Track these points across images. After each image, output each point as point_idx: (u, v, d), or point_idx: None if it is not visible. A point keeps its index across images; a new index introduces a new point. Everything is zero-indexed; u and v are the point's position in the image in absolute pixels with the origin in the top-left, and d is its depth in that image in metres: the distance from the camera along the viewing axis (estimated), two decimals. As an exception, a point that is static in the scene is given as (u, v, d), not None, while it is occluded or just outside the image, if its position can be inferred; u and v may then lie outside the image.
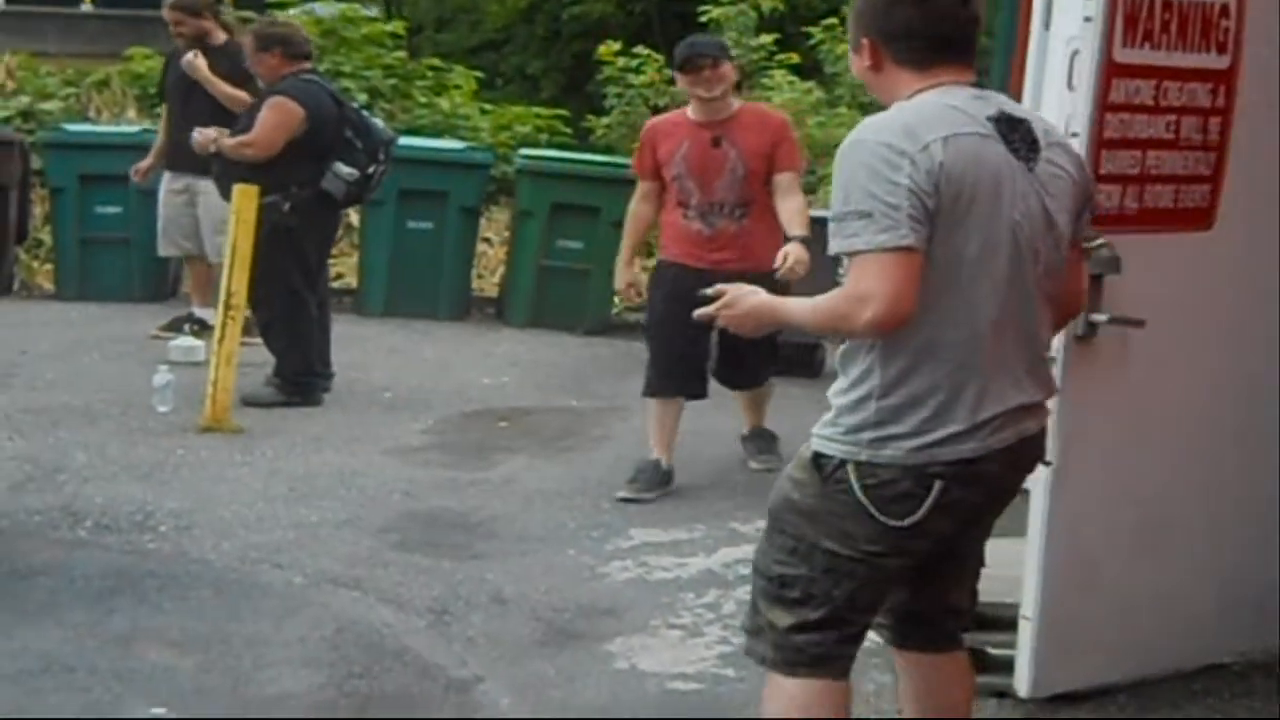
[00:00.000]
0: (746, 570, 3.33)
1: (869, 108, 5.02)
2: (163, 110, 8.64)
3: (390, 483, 6.06)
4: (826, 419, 2.99)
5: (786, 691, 3.06)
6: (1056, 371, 3.74)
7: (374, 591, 4.90)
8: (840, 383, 2.99)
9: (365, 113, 7.62)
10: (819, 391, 3.26)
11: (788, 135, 6.12)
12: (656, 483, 6.02)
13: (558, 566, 5.21)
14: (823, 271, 3.64)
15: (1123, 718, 4.05)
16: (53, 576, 4.86)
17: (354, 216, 9.51)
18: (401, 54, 12.53)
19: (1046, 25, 5.74)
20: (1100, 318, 3.73)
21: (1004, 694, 4.03)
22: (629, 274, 6.25)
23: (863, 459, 2.91)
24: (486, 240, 10.53)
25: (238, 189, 6.79)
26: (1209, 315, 4.04)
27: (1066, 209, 2.98)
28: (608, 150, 11.36)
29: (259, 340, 7.31)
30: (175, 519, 5.47)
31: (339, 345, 7.52)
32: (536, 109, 12.74)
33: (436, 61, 13.01)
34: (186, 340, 7.98)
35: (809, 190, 8.48)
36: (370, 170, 7.16)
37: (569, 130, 12.61)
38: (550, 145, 11.57)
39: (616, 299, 8.94)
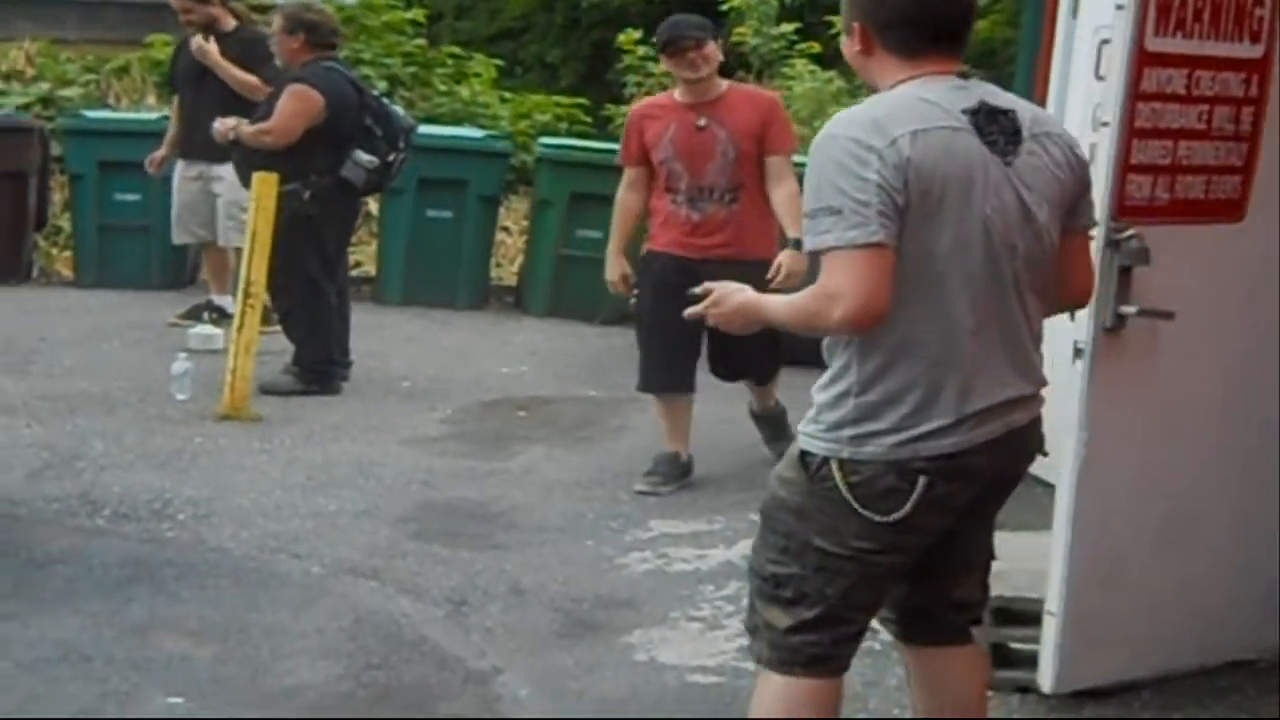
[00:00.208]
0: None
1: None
2: (174, 99, 8.62)
3: (408, 472, 6.04)
4: (809, 415, 2.96)
5: (775, 690, 3.05)
6: (1084, 364, 3.72)
7: (392, 582, 4.88)
8: (822, 378, 2.96)
9: (385, 100, 7.59)
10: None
11: (779, 115, 5.95)
12: (674, 475, 5.97)
13: (576, 557, 5.18)
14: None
15: (1146, 715, 4.00)
16: (70, 565, 4.85)
17: (373, 205, 9.48)
18: (421, 42, 12.48)
19: (1074, 14, 5.71)
20: (1129, 310, 3.68)
21: (1027, 689, 3.99)
22: (619, 266, 6.06)
23: (845, 456, 2.88)
24: (505, 229, 10.49)
25: (258, 176, 6.77)
26: (1239, 308, 3.99)
27: (1047, 200, 2.91)
28: (627, 139, 11.30)
29: (278, 328, 7.30)
30: (193, 507, 5.46)
31: (357, 334, 7.49)
32: (556, 97, 12.68)
33: (456, 49, 12.95)
34: (205, 328, 7.97)
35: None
36: (390, 158, 7.14)
37: (589, 119, 12.54)
38: (570, 134, 11.52)
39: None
